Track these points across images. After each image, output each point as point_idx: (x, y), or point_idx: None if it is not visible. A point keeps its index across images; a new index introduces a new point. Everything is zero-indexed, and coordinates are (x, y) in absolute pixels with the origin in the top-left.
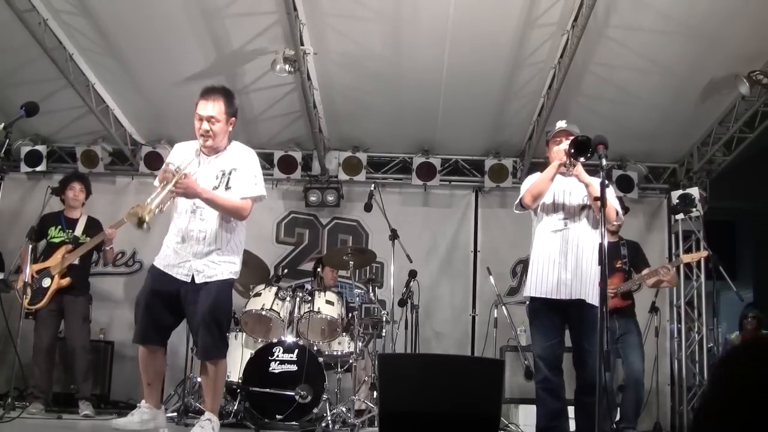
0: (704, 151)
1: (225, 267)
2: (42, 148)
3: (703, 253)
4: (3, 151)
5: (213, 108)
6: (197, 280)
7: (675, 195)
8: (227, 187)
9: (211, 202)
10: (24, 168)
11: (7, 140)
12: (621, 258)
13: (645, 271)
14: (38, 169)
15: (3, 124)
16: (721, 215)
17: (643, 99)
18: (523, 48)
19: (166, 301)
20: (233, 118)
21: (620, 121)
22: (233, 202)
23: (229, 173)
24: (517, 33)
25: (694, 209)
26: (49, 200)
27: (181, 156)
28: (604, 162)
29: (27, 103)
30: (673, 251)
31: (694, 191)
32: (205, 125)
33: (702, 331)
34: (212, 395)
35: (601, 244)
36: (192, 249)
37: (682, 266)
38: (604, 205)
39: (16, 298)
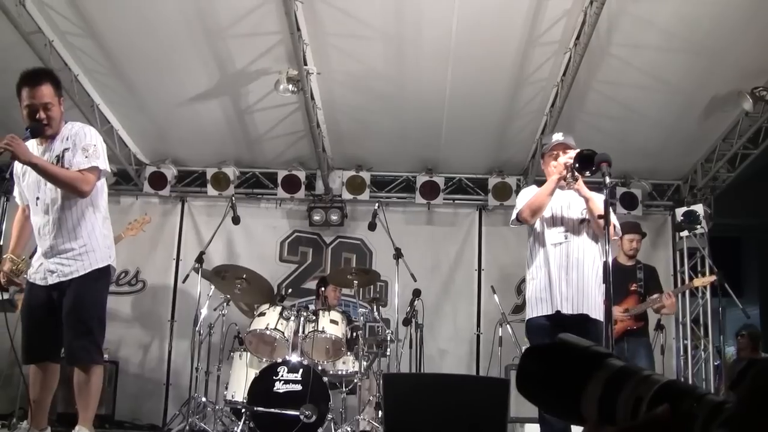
0: (708, 168)
1: (84, 260)
2: None
3: (712, 278)
4: (9, 173)
5: (44, 94)
6: (51, 281)
7: (679, 212)
8: None
9: (43, 172)
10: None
11: (12, 162)
12: (637, 281)
13: (654, 296)
14: None
15: None
16: (726, 232)
17: (647, 116)
18: (525, 66)
19: (42, 316)
20: (62, 98)
21: (624, 138)
22: (68, 173)
23: (62, 155)
24: (519, 51)
25: (698, 226)
26: None
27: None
28: (607, 180)
29: (32, 124)
30: (678, 268)
31: (699, 208)
32: (41, 114)
33: (708, 349)
34: (83, 405)
35: (605, 263)
36: (42, 247)
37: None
38: (608, 222)
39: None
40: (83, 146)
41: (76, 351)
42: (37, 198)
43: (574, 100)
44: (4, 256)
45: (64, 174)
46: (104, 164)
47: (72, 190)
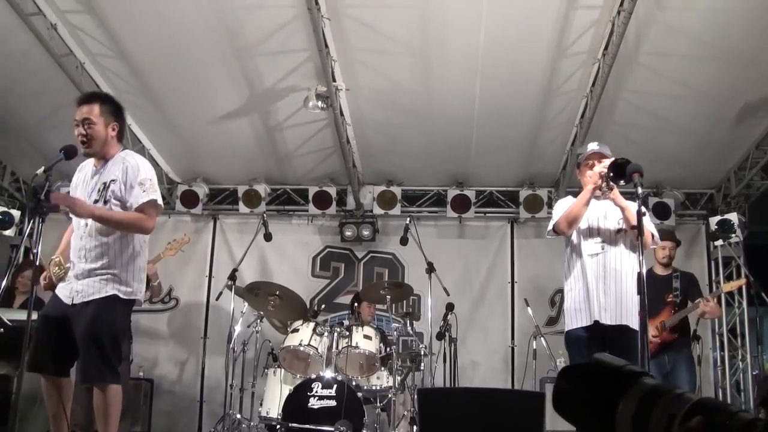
0: (742, 176)
1: (110, 285)
2: None
3: (742, 281)
4: (44, 194)
5: (87, 111)
6: (75, 301)
7: (713, 221)
8: (105, 201)
9: (103, 220)
10: (64, 209)
11: (48, 183)
12: (672, 291)
13: (697, 300)
14: None
15: (43, 167)
16: (761, 240)
17: (678, 125)
18: (554, 77)
19: (56, 327)
20: (115, 124)
21: (655, 147)
22: (128, 216)
23: (108, 185)
24: (547, 63)
25: (733, 235)
26: None
27: (79, 176)
28: (639, 190)
29: (66, 146)
30: (713, 278)
31: (733, 216)
32: (80, 129)
33: (746, 359)
34: (102, 427)
35: (639, 273)
36: (75, 269)
37: (722, 294)
38: (641, 233)
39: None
40: (140, 181)
41: (87, 369)
42: (86, 223)
43: (604, 111)
44: (54, 258)
45: (125, 217)
46: (158, 196)
47: (136, 230)
